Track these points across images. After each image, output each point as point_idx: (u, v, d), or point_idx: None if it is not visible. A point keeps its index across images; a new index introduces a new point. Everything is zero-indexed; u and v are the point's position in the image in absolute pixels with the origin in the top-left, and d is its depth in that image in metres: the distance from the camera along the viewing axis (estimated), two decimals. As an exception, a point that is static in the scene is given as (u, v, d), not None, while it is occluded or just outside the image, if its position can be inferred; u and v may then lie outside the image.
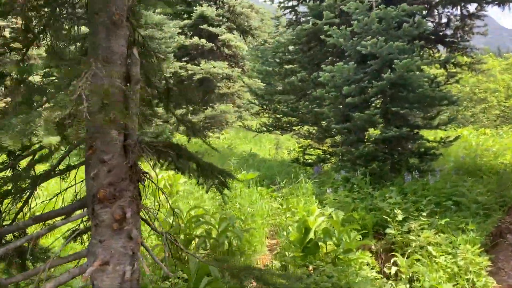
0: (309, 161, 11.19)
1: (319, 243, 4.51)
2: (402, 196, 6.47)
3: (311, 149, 11.19)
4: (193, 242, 4.24)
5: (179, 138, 18.96)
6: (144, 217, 2.24)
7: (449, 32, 11.38)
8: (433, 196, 6.08)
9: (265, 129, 10.80)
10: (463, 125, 21.37)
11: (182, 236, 4.26)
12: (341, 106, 8.16)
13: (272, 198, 6.86)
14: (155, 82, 3.31)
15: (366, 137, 7.40)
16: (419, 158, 7.57)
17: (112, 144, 1.98)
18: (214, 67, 19.70)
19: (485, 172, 9.19)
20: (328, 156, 10.13)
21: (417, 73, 7.10)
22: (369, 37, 7.35)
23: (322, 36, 8.43)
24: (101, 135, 1.97)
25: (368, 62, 7.50)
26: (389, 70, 7.36)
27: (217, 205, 6.33)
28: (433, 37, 11.04)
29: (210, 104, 20.34)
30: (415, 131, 7.56)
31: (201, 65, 19.65)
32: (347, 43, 7.75)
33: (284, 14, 11.94)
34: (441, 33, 11.11)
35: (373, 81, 7.28)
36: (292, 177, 8.13)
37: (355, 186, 7.03)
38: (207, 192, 3.79)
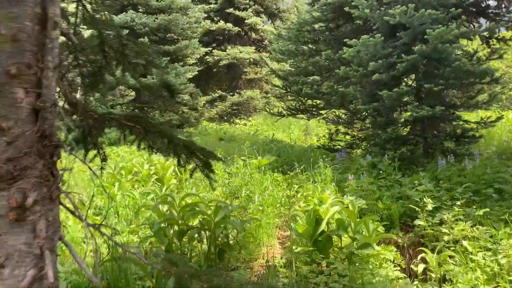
0: (338, 147, 10.51)
1: (333, 237, 3.91)
2: (434, 183, 5.73)
3: (341, 135, 10.49)
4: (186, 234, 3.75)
5: (206, 124, 18.61)
6: (68, 205, 1.75)
7: (492, 2, 10.31)
8: (471, 183, 5.31)
9: (287, 113, 10.17)
10: (508, 108, 19.83)
11: (176, 227, 3.78)
12: (368, 85, 7.41)
13: (288, 185, 6.27)
14: (111, 42, 2.77)
15: (396, 118, 6.63)
16: (456, 141, 6.74)
17: (15, 106, 1.48)
18: (240, 52, 19.15)
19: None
20: (358, 142, 9.40)
21: (454, 45, 6.26)
22: (398, 6, 6.54)
23: (347, 8, 7.68)
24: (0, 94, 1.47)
25: (398, 34, 6.71)
26: (422, 42, 6.55)
27: (227, 193, 5.82)
28: (473, 9, 10.02)
29: (237, 90, 19.83)
30: (452, 111, 6.73)
31: (227, 50, 19.13)
32: (374, 14, 6.98)
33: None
34: (483, 4, 10.05)
35: (403, 55, 6.50)
36: (312, 163, 7.52)
37: (382, 172, 6.34)
38: (191, 176, 3.26)
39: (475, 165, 5.65)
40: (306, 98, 9.98)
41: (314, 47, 10.13)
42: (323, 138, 13.36)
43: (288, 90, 10.45)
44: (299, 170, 6.59)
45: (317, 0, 10.63)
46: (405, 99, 6.79)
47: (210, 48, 18.95)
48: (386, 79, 6.89)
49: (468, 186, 5.16)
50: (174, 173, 6.57)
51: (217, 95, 19.24)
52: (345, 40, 7.32)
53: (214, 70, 20.61)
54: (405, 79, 7.66)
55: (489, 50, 10.29)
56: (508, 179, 5.37)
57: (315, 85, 9.94)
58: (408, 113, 6.67)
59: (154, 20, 16.03)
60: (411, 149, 6.50)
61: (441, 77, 6.71)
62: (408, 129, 6.61)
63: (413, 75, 7.29)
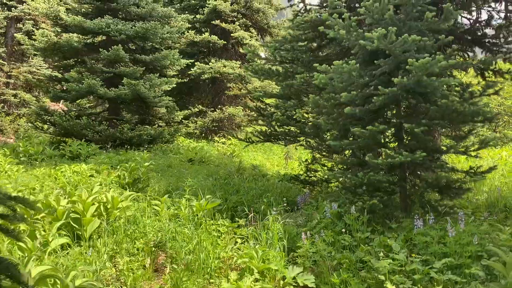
0: (313, 178, 9.40)
1: None
2: (408, 250, 4.63)
3: (318, 165, 9.43)
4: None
5: (182, 141, 17.48)
6: None
7: (489, 31, 9.37)
8: (453, 256, 4.20)
9: (256, 140, 9.07)
10: (503, 142, 18.88)
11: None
12: (341, 118, 6.33)
13: (234, 238, 5.13)
14: None
15: (369, 161, 5.52)
16: (440, 192, 5.65)
17: None
18: (224, 66, 18.13)
19: (528, 209, 7.15)
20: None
21: (442, 79, 5.21)
22: (379, 28, 5.50)
23: (321, 28, 6.64)
24: None
25: (375, 61, 5.66)
26: (405, 73, 5.50)
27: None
28: (468, 37, 9.04)
29: (219, 106, 18.78)
30: (436, 155, 5.65)
31: (210, 63, 18.11)
32: (350, 36, 5.93)
33: (291, 6, 10.20)
34: (479, 32, 9.08)
35: (380, 87, 5.43)
36: (273, 204, 6.39)
37: (348, 226, 5.23)
38: None
39: (459, 231, 4.54)
40: (278, 124, 8.89)
41: (291, 69, 9.08)
42: (305, 163, 12.27)
43: (261, 113, 9.37)
44: (249, 218, 5.45)
45: (298, 16, 9.64)
46: (379, 138, 5.69)
47: (193, 60, 17.90)
48: (360, 114, 5.81)
49: (449, 263, 4.05)
50: (97, 212, 5.41)
51: (197, 110, 18.15)
52: (315, 64, 6.25)
53: (198, 83, 19.57)
54: (386, 115, 6.59)
55: (483, 83, 9.31)
56: (498, 253, 4.25)
57: (289, 111, 8.88)
58: (382, 158, 5.57)
59: (131, 27, 14.98)
60: (384, 200, 5.39)
61: (425, 116, 5.65)
62: (382, 174, 5.50)
63: (394, 110, 6.21)
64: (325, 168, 9.32)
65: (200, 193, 5.71)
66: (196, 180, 8.25)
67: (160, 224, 5.08)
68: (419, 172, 5.75)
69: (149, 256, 4.54)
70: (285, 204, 6.59)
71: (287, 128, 8.99)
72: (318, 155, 9.57)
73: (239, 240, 4.93)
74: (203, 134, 18.66)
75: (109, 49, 14.45)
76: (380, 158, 5.26)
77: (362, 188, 5.74)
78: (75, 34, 16.05)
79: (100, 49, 14.56)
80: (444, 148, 5.49)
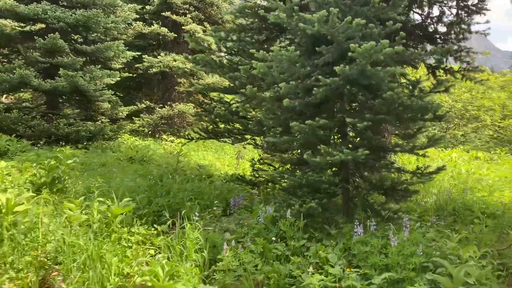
0: (260, 179, 8.75)
1: None
2: (348, 260, 4.06)
3: (265, 164, 8.78)
4: None
5: (127, 138, 16.41)
6: None
7: (441, 28, 9.10)
8: (395, 270, 3.64)
9: (198, 137, 8.32)
10: (453, 144, 19.10)
11: None
12: (281, 112, 5.71)
13: (149, 248, 4.36)
14: None
15: (308, 159, 4.91)
16: (385, 194, 5.13)
17: None
18: (174, 60, 17.20)
19: (476, 213, 6.82)
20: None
21: (388, 68, 4.68)
22: (323, 11, 4.90)
23: (261, 12, 6.00)
24: None
25: (317, 48, 5.07)
26: (348, 63, 4.94)
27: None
28: (419, 32, 8.72)
29: (169, 103, 17.83)
30: (381, 154, 5.13)
31: (159, 57, 17.13)
32: (291, 20, 5.31)
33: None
34: (430, 28, 8.78)
35: (321, 77, 4.85)
36: (205, 207, 5.69)
37: (284, 232, 4.60)
38: None
39: (403, 239, 4.00)
40: (221, 120, 8.18)
41: (235, 60, 8.39)
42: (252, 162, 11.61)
43: (204, 108, 8.63)
44: (171, 224, 4.71)
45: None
46: (320, 133, 5.10)
47: (139, 53, 16.86)
48: (301, 107, 5.21)
49: (390, 278, 3.48)
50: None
51: (144, 106, 17.11)
52: (251, 51, 5.60)
53: (148, 78, 18.53)
54: (333, 110, 6.02)
55: (434, 82, 9.03)
56: (444, 264, 3.74)
57: (233, 106, 8.20)
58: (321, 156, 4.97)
59: (71, 15, 13.80)
60: (324, 203, 4.80)
61: (370, 110, 5.12)
62: (322, 174, 4.91)
63: (338, 104, 5.65)
64: (272, 168, 8.72)
65: (115, 196, 4.89)
66: (126, 180, 7.40)
67: (58, 232, 4.23)
68: (363, 172, 5.21)
69: (37, 273, 3.70)
70: (220, 208, 5.90)
71: (231, 125, 8.30)
72: (266, 154, 8.96)
73: (152, 251, 4.18)
74: (151, 132, 17.64)
75: (45, 37, 13.25)
76: (319, 156, 4.66)
77: (302, 190, 5.14)
78: (8, 20, 14.68)
79: (35, 37, 13.32)
80: (390, 147, 4.96)
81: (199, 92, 11.62)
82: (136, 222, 4.75)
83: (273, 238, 4.37)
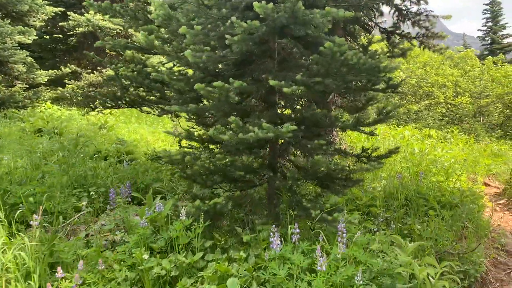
0: (187, 158, 7.30)
1: None
2: (258, 285, 2.77)
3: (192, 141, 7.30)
4: None
5: (49, 107, 14.34)
6: None
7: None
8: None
9: (101, 105, 6.73)
10: (405, 122, 18.43)
11: None
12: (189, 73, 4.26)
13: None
14: None
15: (214, 135, 3.53)
16: (320, 185, 3.85)
17: None
18: (104, 19, 15.11)
19: (432, 202, 5.78)
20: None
21: (327, 8, 3.32)
22: None
23: None
24: None
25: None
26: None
27: None
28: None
29: (98, 68, 15.82)
30: (316, 131, 3.82)
31: (86, 15, 14.96)
32: None
33: None
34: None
35: (235, 19, 3.42)
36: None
37: (177, 239, 3.23)
38: None
39: (336, 258, 2.74)
40: (131, 85, 6.59)
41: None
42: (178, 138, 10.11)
43: (112, 69, 6.98)
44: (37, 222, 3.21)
45: None
46: (232, 100, 3.72)
47: (63, 9, 14.65)
48: (213, 64, 3.79)
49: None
50: None
51: (69, 70, 15.01)
52: None
53: (78, 39, 16.30)
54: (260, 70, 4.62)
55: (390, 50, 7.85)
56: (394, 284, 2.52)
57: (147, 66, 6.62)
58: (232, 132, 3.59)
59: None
60: (235, 197, 3.46)
61: (301, 67, 3.78)
62: (235, 157, 3.55)
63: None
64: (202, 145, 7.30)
65: None
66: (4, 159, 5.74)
67: None
68: (290, 156, 3.90)
69: None
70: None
71: (144, 91, 6.74)
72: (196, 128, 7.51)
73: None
74: (81, 101, 15.60)
75: None
76: (229, 132, 3.27)
77: (212, 178, 3.76)
78: None
79: None
80: (328, 121, 3.66)
81: (111, 50, 9.92)
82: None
83: (166, 246, 2.98)
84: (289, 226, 3.00)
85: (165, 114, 8.41)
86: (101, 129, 12.08)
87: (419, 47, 8.49)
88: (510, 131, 19.32)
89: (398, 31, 8.15)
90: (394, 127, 13.65)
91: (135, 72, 6.20)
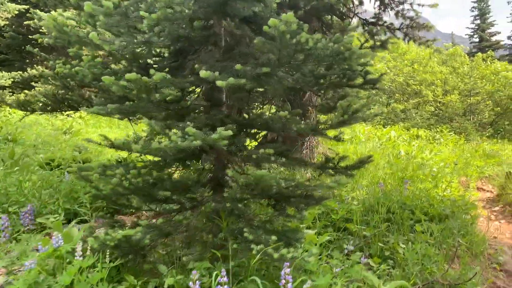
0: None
1: None
2: None
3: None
4: None
5: (13, 112, 13.40)
6: None
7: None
8: None
9: (37, 108, 5.89)
10: (393, 121, 17.69)
11: None
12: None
13: None
14: None
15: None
16: (272, 205, 3.02)
17: None
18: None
19: (418, 215, 5.00)
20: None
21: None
22: None
23: None
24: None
25: None
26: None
27: None
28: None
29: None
30: (263, 134, 3.00)
31: (53, 12, 14.02)
32: None
33: None
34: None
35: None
36: None
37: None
38: None
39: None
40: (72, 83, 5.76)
41: None
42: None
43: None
44: None
45: None
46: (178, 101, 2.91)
47: (27, 7, 13.71)
48: (130, 52, 2.97)
49: None
50: None
51: (36, 72, 14.04)
52: None
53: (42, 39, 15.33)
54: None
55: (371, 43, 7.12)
56: None
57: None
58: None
59: None
60: (158, 225, 2.63)
61: (249, 56, 2.98)
62: (152, 169, 2.73)
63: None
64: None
65: None
66: None
67: None
68: (235, 165, 3.07)
69: None
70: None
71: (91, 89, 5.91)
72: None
73: None
74: (48, 105, 14.63)
75: None
76: (141, 141, 2.44)
77: (135, 199, 2.93)
78: None
79: None
80: (279, 124, 2.83)
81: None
82: None
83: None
84: (215, 273, 2.17)
85: (126, 117, 7.55)
86: (66, 134, 11.18)
87: (404, 39, 7.77)
88: (501, 130, 18.72)
89: (380, 22, 7.43)
90: (380, 127, 12.90)
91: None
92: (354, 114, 2.88)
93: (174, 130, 2.39)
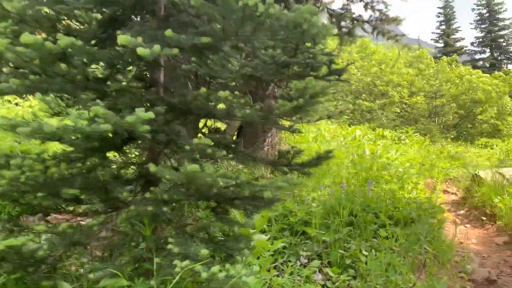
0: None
1: None
2: None
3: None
4: None
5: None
6: None
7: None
8: None
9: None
10: (359, 122, 17.53)
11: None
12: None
13: None
14: None
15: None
16: (213, 209, 2.49)
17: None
18: None
19: (382, 219, 4.60)
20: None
21: None
22: None
23: None
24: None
25: None
26: None
27: None
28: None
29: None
30: (203, 126, 2.45)
31: None
32: None
33: None
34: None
35: None
36: None
37: None
38: None
39: None
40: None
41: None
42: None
43: None
44: None
45: None
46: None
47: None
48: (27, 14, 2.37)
49: None
50: None
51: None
52: None
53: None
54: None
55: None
56: None
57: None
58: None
59: None
60: (60, 231, 2.05)
61: (193, 27, 2.45)
62: (70, 167, 2.16)
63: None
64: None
65: None
66: None
67: None
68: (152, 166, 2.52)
69: None
70: None
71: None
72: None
73: None
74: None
75: None
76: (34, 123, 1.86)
77: (34, 198, 2.33)
78: None
79: None
80: (203, 113, 2.29)
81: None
82: None
83: None
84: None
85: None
86: None
87: (372, 33, 7.41)
88: (464, 132, 18.96)
89: (348, 15, 7.02)
90: (346, 126, 12.63)
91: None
92: (312, 99, 2.38)
93: (74, 109, 1.82)
